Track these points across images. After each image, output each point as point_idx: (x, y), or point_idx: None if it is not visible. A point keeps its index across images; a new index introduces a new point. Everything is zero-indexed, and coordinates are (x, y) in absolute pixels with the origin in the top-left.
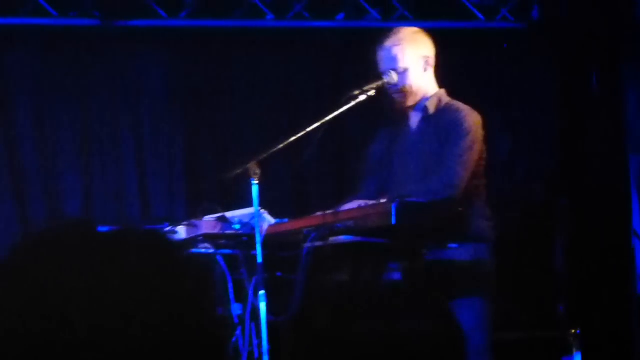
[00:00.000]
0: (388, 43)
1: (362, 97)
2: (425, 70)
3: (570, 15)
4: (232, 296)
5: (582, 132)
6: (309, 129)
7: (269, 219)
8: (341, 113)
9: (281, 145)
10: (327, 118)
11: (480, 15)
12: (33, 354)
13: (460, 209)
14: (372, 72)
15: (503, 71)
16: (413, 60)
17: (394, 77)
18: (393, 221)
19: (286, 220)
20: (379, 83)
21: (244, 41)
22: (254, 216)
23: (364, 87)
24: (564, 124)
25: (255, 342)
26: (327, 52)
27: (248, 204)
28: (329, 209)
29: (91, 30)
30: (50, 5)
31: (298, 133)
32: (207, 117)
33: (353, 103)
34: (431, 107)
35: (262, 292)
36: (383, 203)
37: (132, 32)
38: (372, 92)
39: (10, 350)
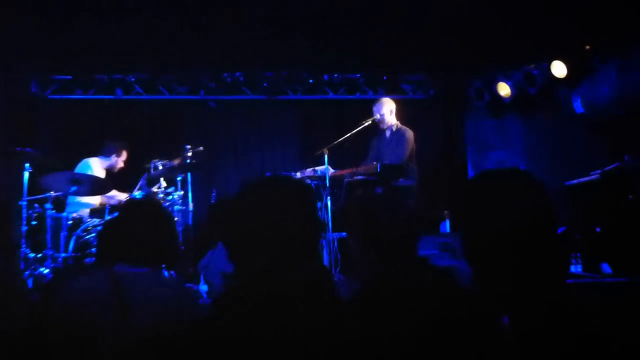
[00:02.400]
0: (377, 104)
1: (366, 123)
2: (391, 114)
3: (443, 93)
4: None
5: (450, 141)
6: (345, 136)
7: (331, 170)
8: (357, 131)
9: (335, 142)
10: (352, 132)
11: (409, 92)
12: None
13: (402, 166)
14: (367, 115)
15: (418, 116)
16: (386, 111)
17: (377, 117)
18: (378, 170)
19: (337, 170)
20: (372, 118)
21: (319, 104)
22: (326, 169)
23: (365, 119)
24: (443, 137)
25: (325, 216)
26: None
27: (323, 163)
28: (354, 166)
29: (260, 101)
30: (247, 88)
31: (341, 138)
32: (306, 137)
33: (361, 127)
34: (394, 128)
35: (329, 198)
36: (374, 164)
37: (278, 102)
38: (369, 122)
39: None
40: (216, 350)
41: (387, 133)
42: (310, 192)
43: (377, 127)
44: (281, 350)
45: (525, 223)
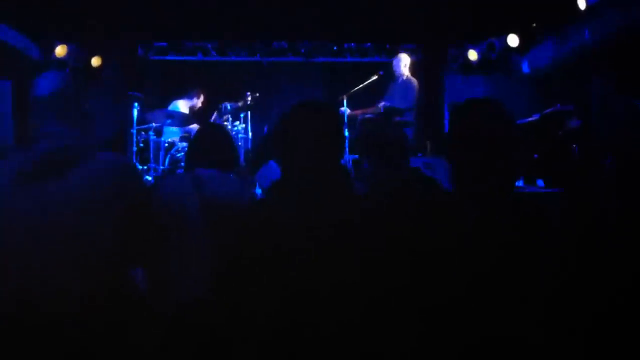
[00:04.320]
0: (396, 58)
1: (373, 78)
2: (405, 67)
3: (430, 57)
4: None
5: (433, 91)
6: (358, 87)
7: (348, 110)
8: (365, 84)
9: (351, 91)
10: (362, 84)
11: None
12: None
13: (400, 109)
14: (374, 72)
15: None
16: (402, 64)
17: (395, 67)
18: (381, 110)
19: (352, 110)
20: (376, 75)
21: (340, 65)
22: (345, 109)
23: (371, 76)
24: (429, 88)
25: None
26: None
27: (343, 105)
28: (365, 108)
29: (299, 63)
30: (290, 52)
31: (355, 88)
32: (331, 87)
33: (369, 81)
34: (404, 77)
35: (346, 130)
36: (379, 106)
37: (312, 63)
38: (375, 77)
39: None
40: (266, 220)
41: (399, 80)
42: (337, 113)
43: (394, 75)
44: (312, 223)
45: (492, 136)
